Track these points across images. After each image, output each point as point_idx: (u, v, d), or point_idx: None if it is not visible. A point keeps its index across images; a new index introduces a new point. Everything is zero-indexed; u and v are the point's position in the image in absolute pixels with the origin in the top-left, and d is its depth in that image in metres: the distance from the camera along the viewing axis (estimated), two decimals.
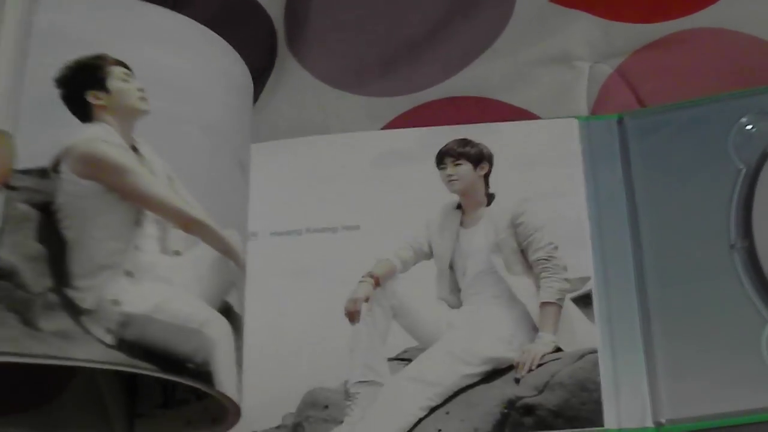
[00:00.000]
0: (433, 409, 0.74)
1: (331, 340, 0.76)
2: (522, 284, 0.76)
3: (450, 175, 0.80)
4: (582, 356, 0.73)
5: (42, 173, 0.68)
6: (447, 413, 0.73)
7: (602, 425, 0.72)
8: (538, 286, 0.76)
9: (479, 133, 0.81)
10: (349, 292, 0.77)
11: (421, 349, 0.76)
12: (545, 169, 0.80)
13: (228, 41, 0.83)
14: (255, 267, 0.77)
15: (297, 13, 0.91)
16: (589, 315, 0.75)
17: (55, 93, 0.70)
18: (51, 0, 0.72)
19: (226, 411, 0.71)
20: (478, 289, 0.78)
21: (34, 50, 0.71)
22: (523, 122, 0.83)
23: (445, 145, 0.81)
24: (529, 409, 0.72)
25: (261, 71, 0.89)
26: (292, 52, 0.89)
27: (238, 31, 0.90)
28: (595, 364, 0.73)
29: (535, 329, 0.75)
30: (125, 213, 0.70)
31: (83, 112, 0.71)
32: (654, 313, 0.74)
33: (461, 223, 0.79)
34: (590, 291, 0.76)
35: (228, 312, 0.72)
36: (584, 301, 0.75)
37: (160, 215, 0.70)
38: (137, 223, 0.70)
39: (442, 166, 0.80)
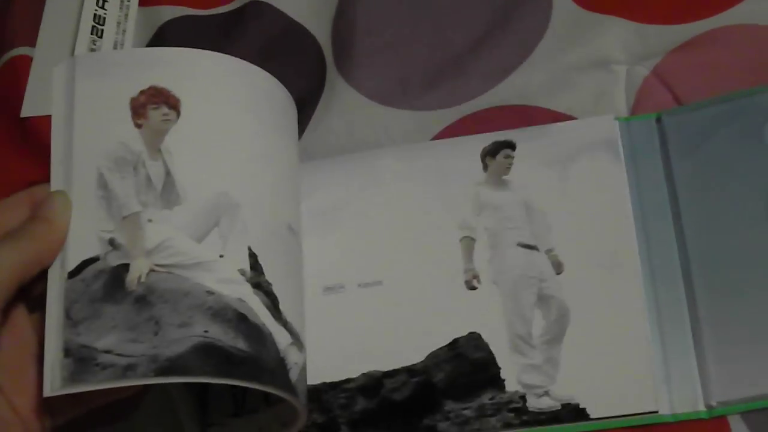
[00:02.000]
0: None
1: None
2: None
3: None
4: None
5: None
6: None
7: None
8: None
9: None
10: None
11: None
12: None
13: (280, 68, 0.86)
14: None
15: (343, 36, 0.93)
16: None
17: None
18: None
19: (296, 414, 0.74)
20: None
21: None
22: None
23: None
24: None
25: (312, 93, 0.91)
26: (341, 72, 0.91)
27: (288, 58, 0.93)
28: None
29: None
30: None
31: None
32: (700, 301, 0.76)
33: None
34: None
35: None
36: None
37: None
38: None
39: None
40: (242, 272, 0.72)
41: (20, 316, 0.70)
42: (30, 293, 0.70)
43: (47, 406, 0.69)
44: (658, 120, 0.82)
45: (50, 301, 0.69)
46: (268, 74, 0.79)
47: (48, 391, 0.66)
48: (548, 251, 0.80)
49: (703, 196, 0.78)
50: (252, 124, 0.77)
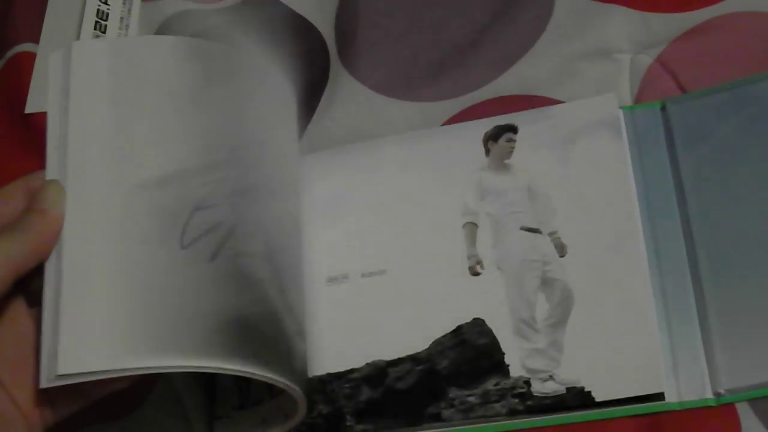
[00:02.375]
0: None
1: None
2: None
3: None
4: None
5: None
6: None
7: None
8: None
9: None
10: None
11: None
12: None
13: (283, 61, 0.86)
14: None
15: (346, 29, 0.93)
16: None
17: None
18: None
19: (296, 406, 0.74)
20: None
21: None
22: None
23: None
24: None
25: (316, 86, 0.91)
26: (344, 65, 0.91)
27: (293, 51, 0.93)
28: None
29: None
30: None
31: None
32: (707, 289, 0.75)
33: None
34: None
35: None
36: None
37: None
38: None
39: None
40: None
41: (19, 310, 0.69)
42: (29, 286, 0.70)
43: (48, 399, 0.69)
44: (663, 108, 0.82)
45: (47, 294, 0.68)
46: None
47: (44, 383, 0.66)
48: (551, 234, 0.80)
49: (708, 184, 0.78)
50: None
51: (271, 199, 0.76)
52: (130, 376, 0.68)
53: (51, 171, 0.71)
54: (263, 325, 0.71)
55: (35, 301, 0.69)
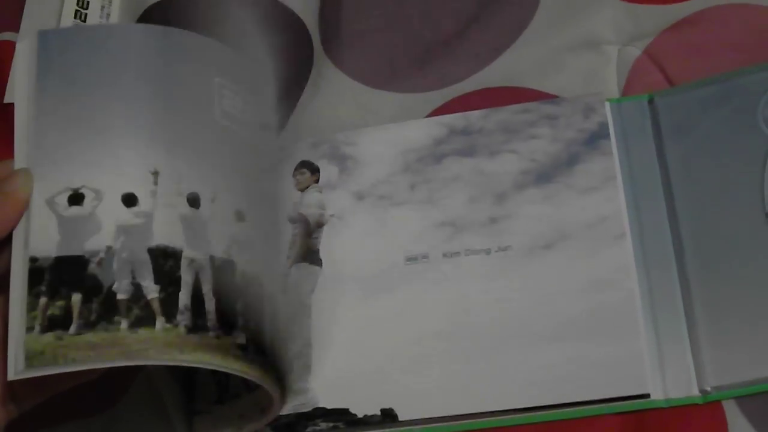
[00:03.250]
0: None
1: None
2: None
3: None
4: None
5: None
6: None
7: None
8: None
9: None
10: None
11: None
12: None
13: (268, 50, 0.85)
14: None
15: (330, 19, 0.92)
16: None
17: None
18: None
19: (272, 400, 0.73)
20: None
21: None
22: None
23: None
24: None
25: (299, 76, 0.90)
26: (328, 56, 0.91)
27: (276, 41, 0.92)
28: None
29: None
30: None
31: None
32: (694, 284, 0.75)
33: None
34: None
35: None
36: None
37: None
38: None
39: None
40: None
41: None
42: None
43: (12, 392, 0.67)
44: (650, 101, 0.82)
45: (14, 283, 0.67)
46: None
47: (12, 375, 0.64)
48: None
49: (695, 178, 0.78)
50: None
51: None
52: (96, 369, 0.66)
53: (20, 160, 0.70)
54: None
55: (0, 288, 0.68)
